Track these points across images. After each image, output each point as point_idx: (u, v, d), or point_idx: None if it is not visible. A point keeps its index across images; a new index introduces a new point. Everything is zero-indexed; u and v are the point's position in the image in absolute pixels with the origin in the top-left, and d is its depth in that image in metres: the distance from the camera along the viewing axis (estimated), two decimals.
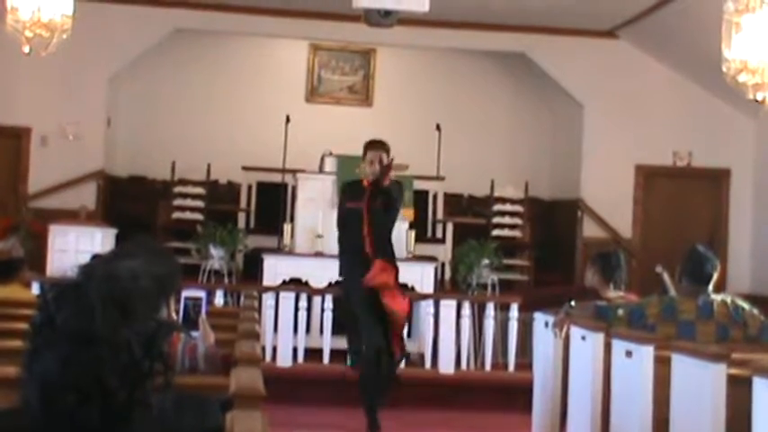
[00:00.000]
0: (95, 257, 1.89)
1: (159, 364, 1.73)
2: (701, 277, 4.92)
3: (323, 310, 8.66)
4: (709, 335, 4.74)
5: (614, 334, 4.82)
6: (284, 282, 9.36)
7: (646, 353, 4.45)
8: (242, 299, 7.21)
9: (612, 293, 5.75)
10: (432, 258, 10.14)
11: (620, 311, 5.02)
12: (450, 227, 11.51)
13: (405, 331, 7.32)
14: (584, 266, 7.09)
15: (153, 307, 1.82)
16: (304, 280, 9.36)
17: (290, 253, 9.73)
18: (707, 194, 12.10)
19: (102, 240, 9.76)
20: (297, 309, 8.62)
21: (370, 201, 7.06)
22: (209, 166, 11.75)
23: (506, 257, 10.92)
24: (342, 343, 7.92)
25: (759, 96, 6.64)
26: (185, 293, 3.85)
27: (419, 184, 10.86)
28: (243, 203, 11.89)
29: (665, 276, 8.94)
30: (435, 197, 11.64)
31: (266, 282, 9.37)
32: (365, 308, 6.93)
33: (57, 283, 1.74)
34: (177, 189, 11.66)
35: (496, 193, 12.04)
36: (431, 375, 8.52)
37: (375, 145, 7.14)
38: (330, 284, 8.99)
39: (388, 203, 6.99)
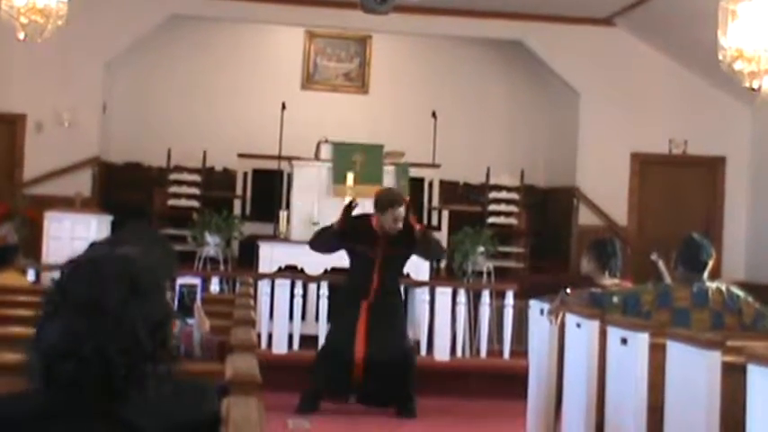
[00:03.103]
0: (93, 245, 1.90)
1: (164, 352, 1.75)
2: (696, 265, 4.93)
3: (318, 297, 8.67)
4: (703, 322, 4.75)
5: (609, 321, 4.83)
6: (280, 269, 9.37)
7: (641, 340, 4.46)
8: (237, 286, 7.20)
9: (608, 281, 5.76)
10: None
11: (616, 299, 5.03)
12: (445, 214, 11.51)
13: None
14: (579, 254, 7.10)
15: (162, 294, 1.83)
16: (299, 267, 9.37)
17: (286, 240, 9.74)
18: (702, 182, 12.11)
19: (97, 227, 9.75)
20: (292, 296, 8.63)
21: (385, 248, 7.27)
22: (204, 153, 11.73)
23: (502, 245, 10.92)
24: None
25: (755, 84, 6.65)
26: (180, 280, 3.85)
27: (415, 172, 10.86)
28: (238, 190, 11.86)
29: (661, 264, 8.93)
30: (431, 184, 11.62)
31: (262, 269, 9.37)
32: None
33: (75, 259, 1.78)
34: (173, 176, 11.65)
35: (492, 181, 12.03)
36: (426, 362, 8.52)
37: (396, 201, 7.22)
38: (326, 271, 9.00)
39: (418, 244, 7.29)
